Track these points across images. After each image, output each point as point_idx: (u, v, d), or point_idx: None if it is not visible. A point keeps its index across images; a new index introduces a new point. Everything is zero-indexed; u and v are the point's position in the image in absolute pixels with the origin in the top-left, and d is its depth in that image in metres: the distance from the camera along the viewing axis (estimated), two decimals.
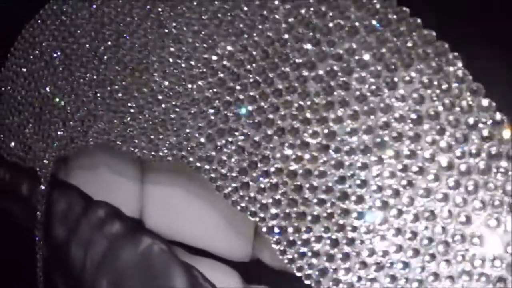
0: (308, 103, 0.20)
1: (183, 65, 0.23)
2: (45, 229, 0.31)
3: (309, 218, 0.20)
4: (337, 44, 0.20)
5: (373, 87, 0.20)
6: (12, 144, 0.32)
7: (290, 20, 0.21)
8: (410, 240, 0.20)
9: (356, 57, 0.20)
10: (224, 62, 0.22)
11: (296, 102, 0.21)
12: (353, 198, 0.20)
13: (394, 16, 0.20)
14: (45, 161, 0.30)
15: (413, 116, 0.19)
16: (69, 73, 0.29)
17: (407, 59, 0.20)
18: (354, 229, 0.20)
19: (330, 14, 0.20)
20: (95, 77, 0.27)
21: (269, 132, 0.21)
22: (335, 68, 0.20)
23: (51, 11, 0.30)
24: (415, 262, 0.20)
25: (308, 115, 0.21)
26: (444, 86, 0.19)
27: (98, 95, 0.27)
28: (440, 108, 0.19)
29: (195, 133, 0.23)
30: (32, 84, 0.31)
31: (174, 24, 0.24)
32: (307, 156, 0.20)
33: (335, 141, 0.20)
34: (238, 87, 0.22)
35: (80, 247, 0.29)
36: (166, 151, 0.24)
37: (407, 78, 0.19)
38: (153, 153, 0.24)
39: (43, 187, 0.30)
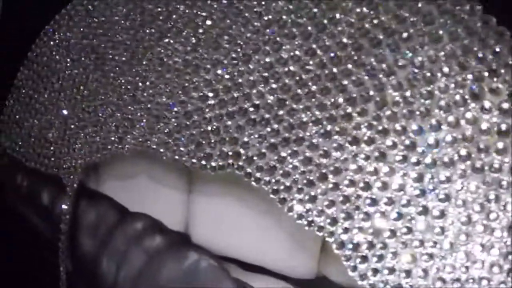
0: (387, 112, 0.19)
1: (241, 68, 0.22)
2: (70, 240, 0.29)
3: (385, 233, 0.20)
4: (418, 51, 0.19)
5: (458, 97, 0.19)
6: (32, 149, 0.30)
7: (366, 24, 0.20)
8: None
9: (440, 66, 0.19)
10: (290, 67, 0.21)
11: (373, 111, 0.20)
12: (435, 213, 0.19)
13: (479, 24, 0.19)
14: (71, 168, 0.28)
15: (503, 127, 0.19)
16: (101, 73, 0.27)
17: (493, 69, 0.19)
18: (435, 244, 0.19)
19: (411, 19, 0.19)
20: (132, 78, 0.26)
21: (341, 142, 0.20)
22: (417, 76, 0.19)
23: (80, 6, 0.28)
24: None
25: (386, 125, 0.20)
26: None
27: (137, 98, 0.25)
28: None
29: (255, 142, 0.22)
30: (57, 85, 0.29)
31: (229, 22, 0.22)
32: (384, 168, 0.19)
33: (416, 152, 0.19)
34: (305, 94, 0.21)
35: (113, 261, 0.27)
36: (219, 160, 0.22)
37: (494, 89, 0.19)
38: (203, 162, 0.23)
39: (68, 196, 0.28)
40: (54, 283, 0.29)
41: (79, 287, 0.28)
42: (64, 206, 0.28)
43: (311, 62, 0.20)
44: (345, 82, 0.20)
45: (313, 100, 0.20)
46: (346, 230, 0.20)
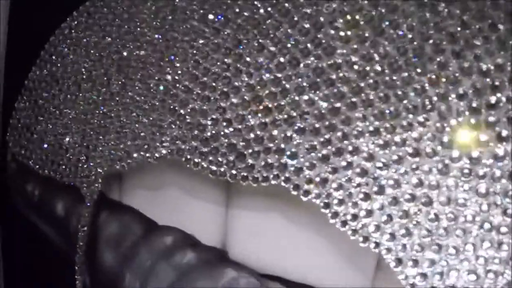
0: (453, 122, 0.18)
1: (288, 73, 0.21)
2: (89, 253, 0.27)
3: (450, 250, 0.19)
4: (484, 59, 0.18)
5: None
6: (45, 155, 0.28)
7: (430, 30, 0.19)
8: None
9: (507, 74, 0.18)
10: (345, 73, 0.20)
11: (436, 122, 0.19)
12: (503, 230, 0.18)
13: None
14: (90, 177, 0.26)
15: None
16: (125, 75, 0.25)
17: None
18: (499, 261, 0.18)
19: (477, 26, 0.18)
20: (162, 82, 0.24)
21: (401, 153, 0.19)
22: (482, 85, 0.18)
23: (101, 2, 0.26)
24: None
25: (449, 136, 0.19)
26: None
27: (168, 103, 0.23)
28: None
29: (304, 153, 0.20)
30: (74, 87, 0.27)
31: (274, 22, 0.21)
32: (449, 181, 0.18)
33: (480, 166, 0.18)
34: (360, 102, 0.20)
35: (137, 277, 0.25)
36: (263, 172, 0.21)
37: None
38: (244, 173, 0.21)
39: (87, 207, 0.26)
40: None
41: None
42: (81, 218, 0.27)
43: (368, 68, 0.19)
44: (406, 90, 0.19)
45: (371, 108, 0.19)
46: (404, 247, 0.19)
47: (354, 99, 0.19)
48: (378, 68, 0.19)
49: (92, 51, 0.26)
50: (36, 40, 0.30)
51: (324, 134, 0.20)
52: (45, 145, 0.28)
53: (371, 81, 0.19)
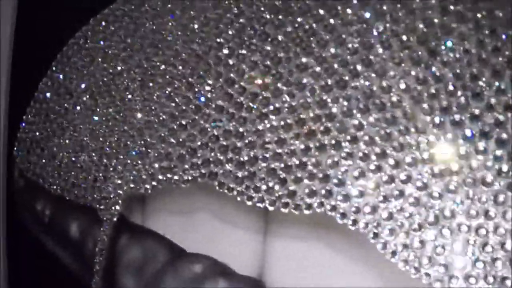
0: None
1: (335, 95, 0.19)
2: (106, 278, 0.25)
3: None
4: None
5: None
6: (57, 173, 0.26)
7: (488, 55, 0.18)
8: None
9: None
10: (397, 96, 0.19)
11: (494, 150, 0.18)
12: None
13: None
14: (109, 199, 0.25)
15: None
16: (149, 92, 0.24)
17: None
18: None
19: None
20: (192, 100, 0.22)
21: (455, 184, 0.18)
22: None
23: (121, 12, 0.24)
24: None
25: (509, 165, 0.18)
26: None
27: (199, 122, 0.22)
28: None
29: (353, 180, 0.19)
30: (90, 101, 0.25)
31: (320, 41, 0.19)
32: (508, 215, 0.18)
33: None
34: (414, 128, 0.19)
35: None
36: (306, 199, 0.20)
37: None
38: (285, 200, 0.20)
39: (105, 231, 0.25)
40: None
41: None
42: (98, 242, 0.25)
43: (422, 92, 0.18)
44: (463, 117, 0.18)
45: (425, 135, 0.18)
46: (457, 279, 0.18)
47: (407, 125, 0.18)
48: (433, 91, 0.18)
49: (111, 64, 0.24)
50: (44, 46, 0.29)
51: (374, 160, 0.19)
52: (58, 162, 0.26)
53: (425, 106, 0.18)
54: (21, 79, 0.30)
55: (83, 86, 0.25)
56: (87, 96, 0.25)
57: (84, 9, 0.27)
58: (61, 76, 0.25)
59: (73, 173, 0.25)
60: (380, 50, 0.18)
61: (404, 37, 0.18)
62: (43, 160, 0.26)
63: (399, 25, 0.18)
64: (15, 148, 0.28)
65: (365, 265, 0.19)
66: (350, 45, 0.19)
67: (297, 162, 0.20)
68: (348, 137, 0.19)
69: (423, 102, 0.18)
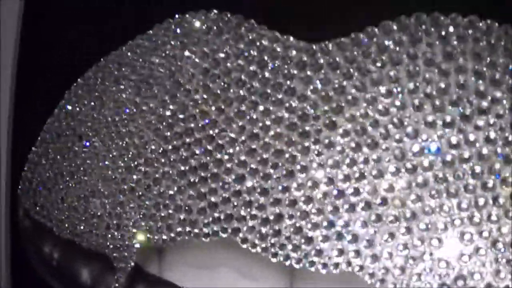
0: None
1: (365, 156, 0.19)
2: None
3: None
4: None
5: None
6: (66, 216, 0.25)
7: None
8: None
9: None
10: (428, 159, 0.18)
11: None
12: None
13: None
14: (123, 248, 0.24)
15: None
16: (165, 140, 0.22)
17: None
18: None
19: None
20: (212, 152, 0.21)
21: (482, 245, 0.18)
22: None
23: (134, 54, 0.23)
24: None
25: None
26: None
27: (221, 176, 0.21)
28: None
29: (382, 241, 0.19)
30: (100, 146, 0.24)
31: (349, 99, 0.19)
32: None
33: None
34: (446, 192, 0.18)
35: None
36: (334, 258, 0.19)
37: None
38: (313, 259, 0.20)
39: (119, 280, 0.24)
40: None
41: None
42: None
43: (455, 157, 0.18)
44: (496, 183, 0.18)
45: (455, 199, 0.18)
46: None
47: (438, 187, 0.18)
48: (466, 156, 0.18)
49: (124, 107, 0.23)
50: (47, 78, 0.27)
51: (404, 223, 0.18)
52: (66, 206, 0.25)
53: (459, 173, 0.18)
54: (25, 111, 0.28)
55: (93, 128, 0.24)
56: (98, 139, 0.24)
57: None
58: (69, 117, 0.24)
59: (83, 218, 0.25)
60: (413, 112, 0.18)
61: (437, 101, 0.18)
62: (51, 202, 0.25)
63: (432, 86, 0.18)
64: (19, 187, 0.27)
65: None
66: (381, 105, 0.19)
67: (325, 221, 0.19)
68: (379, 199, 0.19)
69: (456, 166, 0.18)
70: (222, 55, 0.21)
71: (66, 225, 0.25)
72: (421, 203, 0.18)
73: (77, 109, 0.25)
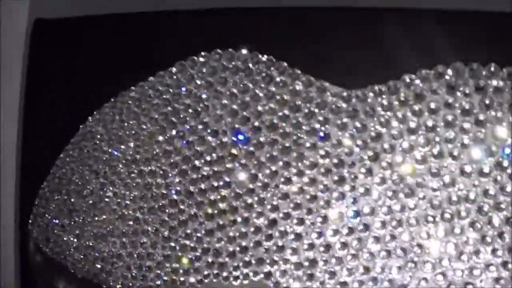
0: None
1: (401, 204, 0.19)
2: None
3: None
4: None
5: None
6: (84, 255, 0.24)
7: None
8: None
9: None
10: (465, 206, 0.18)
11: None
12: None
13: None
14: None
15: None
16: (193, 181, 0.22)
17: None
18: None
19: None
20: (236, 197, 0.21)
21: None
22: None
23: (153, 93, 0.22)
24: None
25: None
26: None
27: (252, 223, 0.21)
28: None
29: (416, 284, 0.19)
30: (120, 185, 0.23)
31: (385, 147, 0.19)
32: None
33: None
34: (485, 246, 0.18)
35: None
36: None
37: None
38: None
39: None
40: None
41: None
42: None
43: (490, 205, 0.18)
44: None
45: (489, 247, 0.18)
46: None
47: (473, 235, 0.18)
48: (503, 206, 0.18)
49: (144, 146, 0.23)
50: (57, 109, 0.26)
51: (438, 269, 0.19)
52: (82, 244, 0.24)
53: (494, 221, 0.18)
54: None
55: (111, 165, 0.23)
56: (117, 178, 0.23)
57: None
58: (84, 152, 0.23)
59: (102, 257, 0.24)
60: (449, 161, 0.18)
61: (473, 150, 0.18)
62: (65, 239, 0.24)
63: (469, 136, 0.18)
64: (30, 221, 0.26)
65: None
66: (418, 154, 0.19)
67: (362, 268, 0.19)
68: (415, 245, 0.19)
69: (490, 214, 0.18)
70: (250, 96, 0.20)
71: (83, 263, 0.24)
72: (457, 249, 0.19)
73: (93, 144, 0.24)
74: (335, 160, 0.19)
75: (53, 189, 0.25)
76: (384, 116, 0.19)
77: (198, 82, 0.21)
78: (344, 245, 0.20)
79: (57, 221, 0.25)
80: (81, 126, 0.24)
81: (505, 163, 0.18)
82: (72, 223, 0.25)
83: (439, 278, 0.19)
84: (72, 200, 0.24)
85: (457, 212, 0.19)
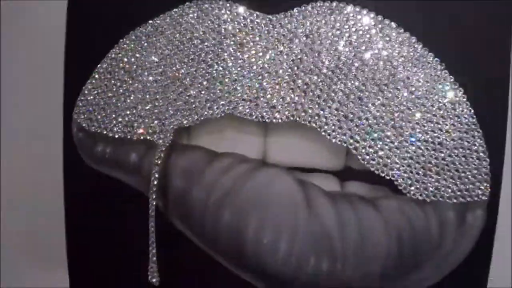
0: None
1: None
2: (162, 184, 0.36)
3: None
4: None
5: None
6: (121, 122, 0.37)
7: None
8: None
9: None
10: None
11: None
12: None
13: None
14: (163, 132, 0.36)
15: None
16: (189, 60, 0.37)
17: None
18: None
19: None
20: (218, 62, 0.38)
21: None
22: None
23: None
24: None
25: None
26: None
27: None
28: None
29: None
30: (155, 72, 0.37)
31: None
32: None
33: None
34: None
35: (202, 191, 0.34)
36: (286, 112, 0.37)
37: None
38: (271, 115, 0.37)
39: (160, 153, 0.36)
40: (144, 219, 0.36)
41: (174, 218, 0.36)
42: (154, 161, 0.36)
43: None
44: None
45: None
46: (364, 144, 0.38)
47: None
48: None
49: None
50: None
51: None
52: (120, 114, 0.37)
53: None
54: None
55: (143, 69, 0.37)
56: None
57: None
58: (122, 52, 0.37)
59: (132, 121, 0.37)
60: None
61: None
62: (106, 116, 0.37)
63: None
64: (74, 111, 0.38)
65: (317, 142, 0.37)
66: None
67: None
68: None
69: None
70: None
71: (119, 128, 0.37)
72: None
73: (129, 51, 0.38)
74: None
75: (94, 86, 0.38)
76: None
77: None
78: None
79: (97, 106, 0.38)
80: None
81: None
82: (110, 107, 0.38)
83: None
84: (111, 87, 0.38)
85: None
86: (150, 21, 0.37)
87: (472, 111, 0.34)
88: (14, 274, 0.43)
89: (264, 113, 0.36)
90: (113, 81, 0.38)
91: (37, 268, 0.43)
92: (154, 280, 0.36)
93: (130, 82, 0.37)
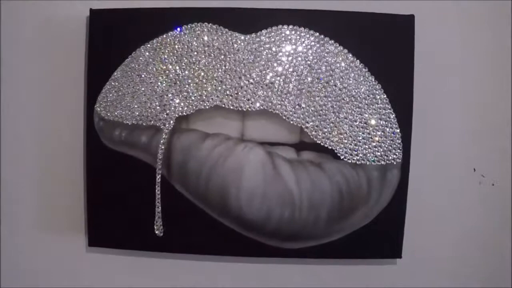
0: None
1: None
2: (166, 157, 0.48)
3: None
4: None
5: None
6: (134, 112, 0.48)
7: None
8: None
9: None
10: None
11: None
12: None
13: None
14: (167, 120, 0.48)
15: None
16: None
17: None
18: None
19: None
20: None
21: None
22: None
23: None
24: None
25: None
26: None
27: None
28: None
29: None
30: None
31: None
32: None
33: None
34: None
35: (197, 163, 0.48)
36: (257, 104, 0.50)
37: None
38: (242, 105, 0.50)
39: (165, 135, 0.48)
40: (152, 185, 0.48)
41: (176, 183, 0.49)
42: (161, 140, 0.48)
43: None
44: None
45: None
46: (312, 125, 0.51)
47: None
48: None
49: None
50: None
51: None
52: (133, 107, 0.48)
53: None
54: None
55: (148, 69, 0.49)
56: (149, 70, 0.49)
57: None
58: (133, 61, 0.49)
59: (142, 111, 0.49)
60: None
61: None
62: (121, 109, 0.48)
63: None
64: (96, 105, 0.49)
65: (281, 125, 0.50)
66: None
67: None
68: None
69: None
70: None
71: (133, 116, 0.49)
72: None
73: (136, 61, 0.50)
74: None
75: (111, 87, 0.50)
76: None
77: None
78: None
79: (114, 101, 0.49)
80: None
81: None
82: (124, 101, 0.49)
83: None
84: (125, 87, 0.49)
85: None
86: (156, 38, 0.49)
87: (387, 98, 0.48)
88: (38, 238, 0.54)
89: (242, 104, 0.49)
90: (127, 83, 0.50)
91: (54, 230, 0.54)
92: (158, 232, 0.48)
93: (140, 84, 0.50)
